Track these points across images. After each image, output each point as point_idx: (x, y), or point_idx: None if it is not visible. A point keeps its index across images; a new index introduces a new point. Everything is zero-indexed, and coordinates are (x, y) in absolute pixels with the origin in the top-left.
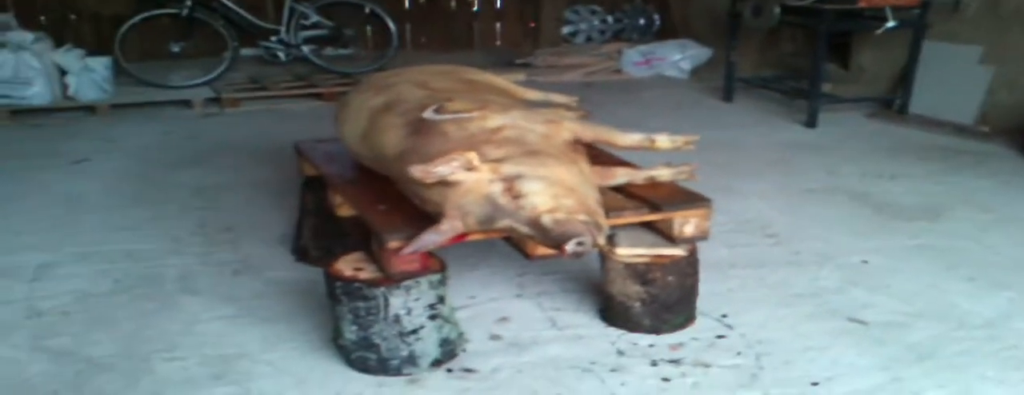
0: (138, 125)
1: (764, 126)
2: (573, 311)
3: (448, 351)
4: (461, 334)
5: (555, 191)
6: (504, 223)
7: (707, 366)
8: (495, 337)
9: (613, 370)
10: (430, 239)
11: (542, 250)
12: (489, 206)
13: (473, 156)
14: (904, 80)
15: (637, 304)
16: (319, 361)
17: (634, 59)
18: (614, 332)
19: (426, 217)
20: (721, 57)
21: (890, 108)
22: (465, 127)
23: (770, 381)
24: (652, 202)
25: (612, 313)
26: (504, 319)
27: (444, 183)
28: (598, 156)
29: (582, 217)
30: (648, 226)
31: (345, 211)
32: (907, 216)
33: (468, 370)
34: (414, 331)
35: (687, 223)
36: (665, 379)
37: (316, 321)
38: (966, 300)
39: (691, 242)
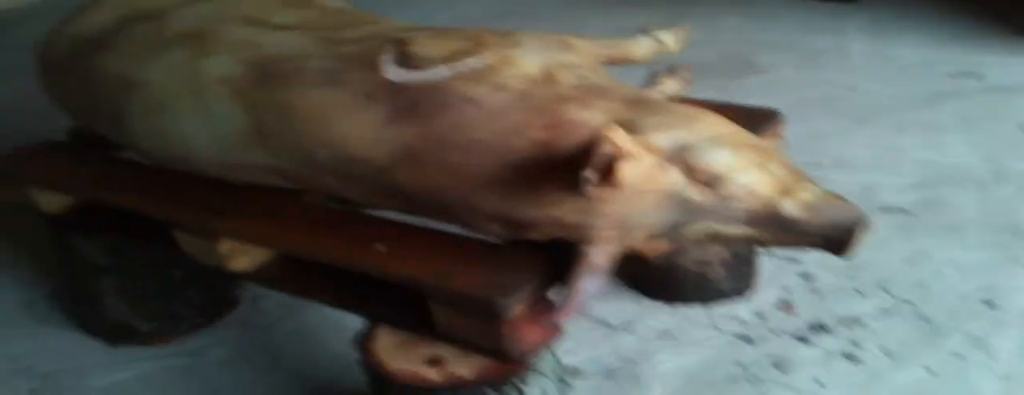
0: None
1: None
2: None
3: None
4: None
5: (750, 157)
6: (700, 227)
7: (861, 323)
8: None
9: (776, 366)
10: (593, 286)
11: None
12: (676, 208)
13: (618, 134)
14: None
15: (719, 268)
16: None
17: None
18: (693, 313)
19: (471, 246)
20: None
21: None
22: (501, 84)
23: (945, 315)
24: None
25: (680, 287)
26: None
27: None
28: None
29: (817, 190)
30: None
31: (243, 263)
32: (724, 72)
33: None
34: None
35: None
36: (849, 357)
37: None
38: (908, 146)
39: None
